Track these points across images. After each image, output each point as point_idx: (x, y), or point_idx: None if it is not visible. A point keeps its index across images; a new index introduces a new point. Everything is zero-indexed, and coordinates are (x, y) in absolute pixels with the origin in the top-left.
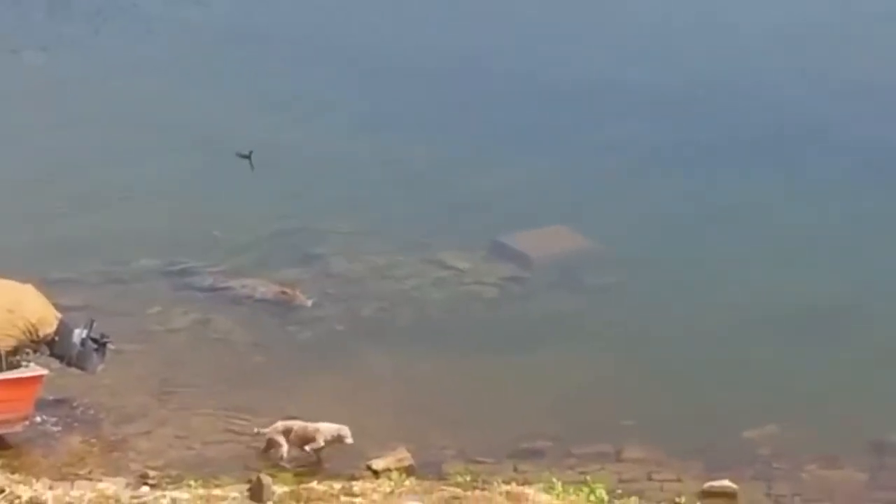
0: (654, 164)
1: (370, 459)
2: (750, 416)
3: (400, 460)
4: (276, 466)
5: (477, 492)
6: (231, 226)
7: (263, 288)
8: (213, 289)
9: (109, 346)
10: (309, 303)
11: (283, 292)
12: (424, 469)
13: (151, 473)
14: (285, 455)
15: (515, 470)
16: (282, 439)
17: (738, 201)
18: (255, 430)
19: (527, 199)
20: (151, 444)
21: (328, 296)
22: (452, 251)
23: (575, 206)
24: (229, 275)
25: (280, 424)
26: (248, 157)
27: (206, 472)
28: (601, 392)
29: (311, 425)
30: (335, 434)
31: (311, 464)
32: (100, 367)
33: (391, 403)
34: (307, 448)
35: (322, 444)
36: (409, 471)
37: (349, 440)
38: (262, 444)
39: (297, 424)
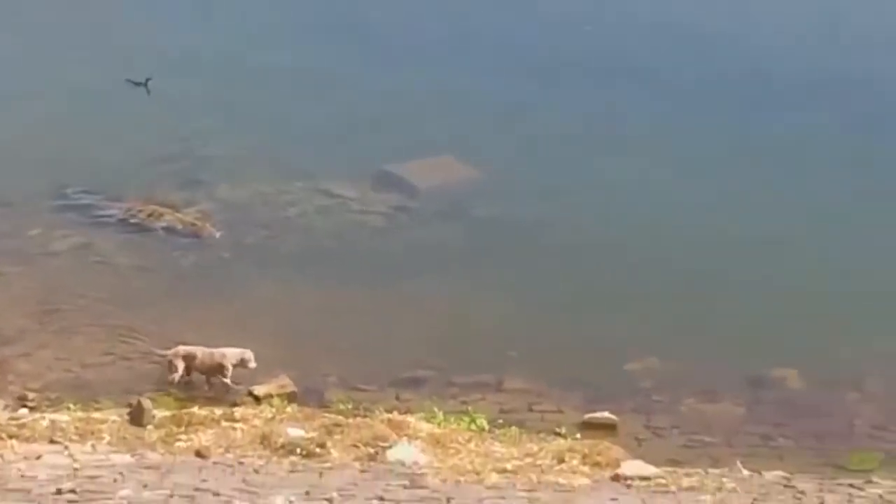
0: (544, 90)
1: (252, 385)
2: (631, 349)
3: (282, 387)
4: (158, 391)
5: (358, 419)
6: (116, 150)
7: (169, 217)
8: (95, 213)
9: None
10: (217, 234)
11: (192, 223)
12: (306, 396)
13: (30, 395)
14: (177, 379)
15: (397, 398)
16: (179, 362)
17: (627, 127)
18: (158, 352)
19: (414, 127)
20: (30, 366)
21: (211, 222)
22: (339, 179)
23: (462, 136)
24: (112, 199)
25: (181, 349)
26: (143, 84)
27: (86, 394)
28: (484, 322)
29: (216, 351)
30: (239, 358)
31: (194, 389)
32: None
33: (274, 330)
34: (224, 379)
35: (230, 370)
36: (290, 397)
37: (252, 364)
38: (159, 367)
39: (200, 350)
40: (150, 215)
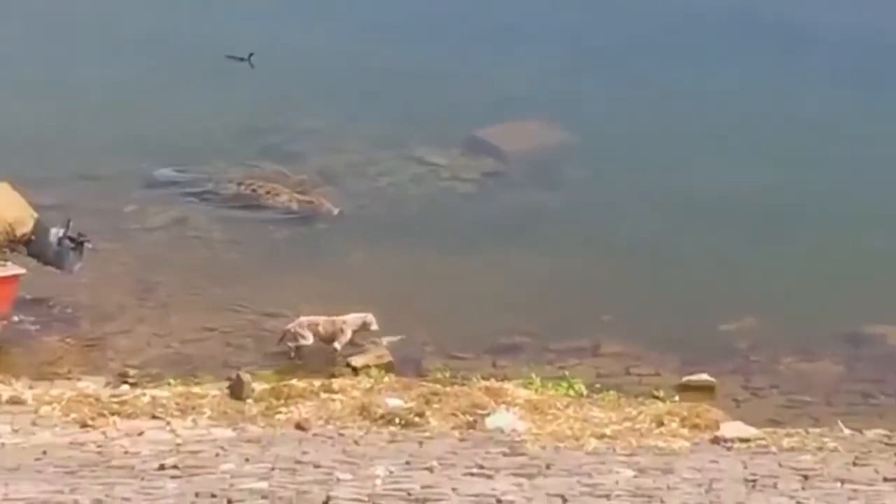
0: (633, 56)
1: (349, 357)
2: (727, 310)
3: (379, 357)
4: (255, 364)
5: (456, 387)
6: (210, 125)
7: (285, 196)
8: (191, 188)
9: (87, 245)
10: (335, 211)
11: (309, 201)
12: (403, 366)
13: (131, 372)
14: (306, 347)
15: (494, 366)
16: (305, 332)
17: (722, 94)
18: (284, 329)
19: (503, 93)
20: (130, 342)
21: (305, 193)
22: (429, 147)
23: (552, 100)
24: (208, 173)
25: (304, 319)
26: (247, 59)
27: (186, 369)
28: (579, 287)
29: (336, 319)
30: (360, 323)
31: (293, 362)
32: (77, 267)
33: (369, 300)
34: (336, 345)
35: (350, 335)
36: (388, 367)
37: (374, 326)
38: (280, 339)
39: (322, 319)
40: (267, 192)
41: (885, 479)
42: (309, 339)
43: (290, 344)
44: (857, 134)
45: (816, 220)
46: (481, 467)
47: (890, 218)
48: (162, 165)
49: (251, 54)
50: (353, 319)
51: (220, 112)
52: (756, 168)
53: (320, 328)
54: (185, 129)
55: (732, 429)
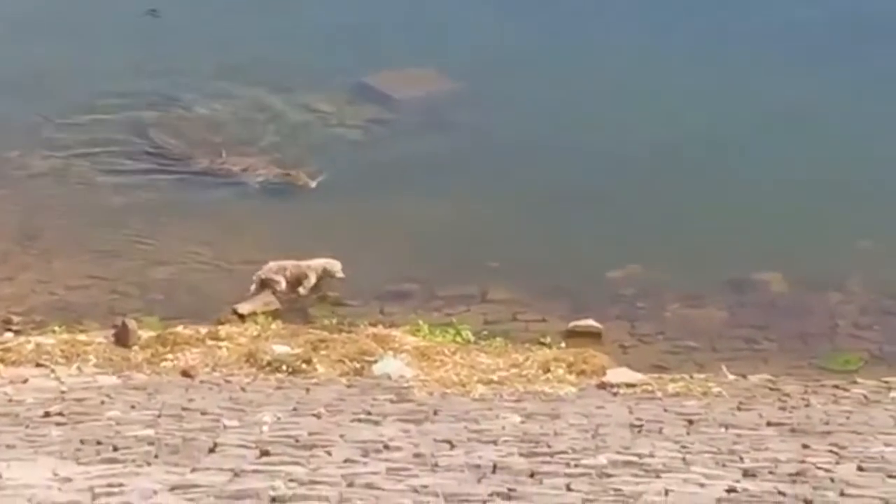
0: (533, 4)
1: (236, 303)
2: (613, 257)
3: (266, 304)
4: (140, 311)
5: (343, 334)
6: (96, 70)
7: (263, 169)
8: (74, 135)
9: None
10: (313, 184)
11: (287, 174)
12: (290, 313)
13: (14, 319)
14: (281, 292)
15: (382, 312)
16: (279, 277)
17: (612, 38)
18: (254, 277)
19: (391, 39)
20: (13, 289)
21: (189, 141)
22: (316, 93)
23: (439, 47)
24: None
25: (273, 265)
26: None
27: (71, 316)
28: (466, 234)
29: (302, 263)
30: (324, 268)
31: (178, 309)
32: None
33: (255, 247)
34: (301, 290)
35: (314, 280)
36: (275, 314)
37: (340, 274)
38: (252, 288)
39: (289, 263)
40: (244, 169)
41: (769, 424)
42: (282, 284)
43: (270, 290)
44: (749, 83)
45: (702, 167)
46: (369, 413)
47: (775, 165)
48: (45, 111)
49: (153, 9)
50: (317, 264)
51: (105, 58)
52: (646, 118)
53: (287, 272)
54: (72, 75)
55: (618, 374)
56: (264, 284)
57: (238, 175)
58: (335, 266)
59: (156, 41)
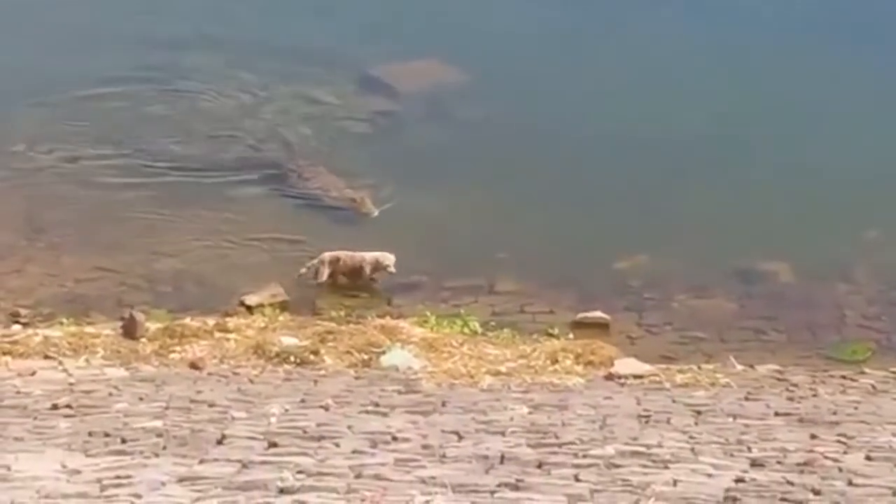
0: None
1: (243, 295)
2: (621, 248)
3: (273, 296)
4: (148, 303)
5: (351, 325)
6: (103, 62)
7: (335, 191)
8: (81, 127)
9: None
10: (375, 213)
11: (353, 199)
12: (298, 305)
13: (22, 312)
14: (323, 280)
15: (389, 304)
16: (325, 268)
17: (619, 29)
18: (305, 266)
19: (397, 31)
20: (21, 282)
21: (196, 133)
22: (322, 86)
23: (445, 39)
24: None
25: (327, 255)
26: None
27: (78, 309)
28: (474, 225)
29: (356, 254)
30: (377, 261)
31: (186, 301)
32: None
33: (262, 240)
34: (360, 279)
35: (368, 272)
36: (282, 306)
37: (392, 269)
38: (308, 275)
39: (343, 254)
40: (319, 187)
41: (777, 414)
42: (325, 275)
43: (312, 280)
44: (758, 75)
45: (710, 157)
46: (377, 405)
47: (783, 155)
48: (47, 100)
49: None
50: (371, 257)
51: (92, 48)
52: (653, 110)
53: (341, 263)
54: (80, 68)
55: (626, 365)
56: (314, 273)
57: (309, 189)
58: (388, 259)
59: (162, 33)
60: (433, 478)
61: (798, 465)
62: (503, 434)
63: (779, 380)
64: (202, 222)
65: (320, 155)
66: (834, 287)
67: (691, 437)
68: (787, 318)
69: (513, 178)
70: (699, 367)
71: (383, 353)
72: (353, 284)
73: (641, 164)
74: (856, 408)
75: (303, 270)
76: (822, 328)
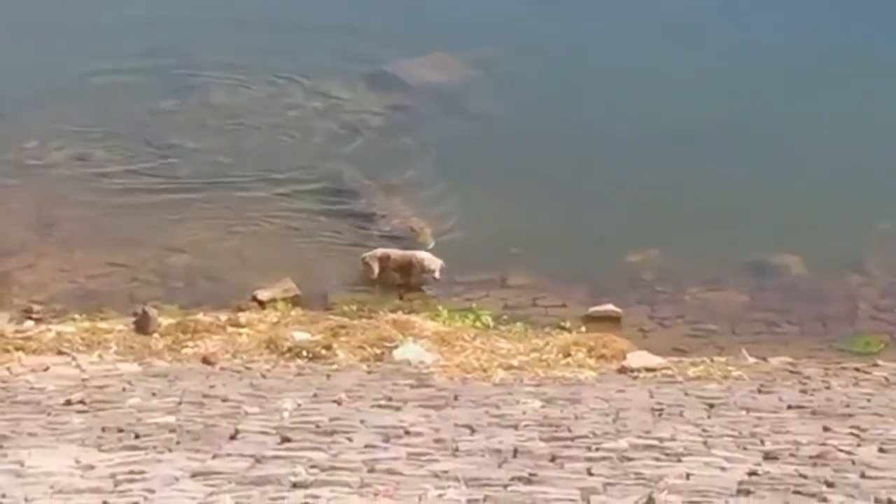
0: None
1: (255, 290)
2: (633, 241)
3: (286, 291)
4: (161, 298)
5: (363, 320)
6: (113, 58)
7: (396, 219)
8: (92, 124)
9: None
10: (431, 244)
11: (412, 229)
12: (310, 299)
13: (35, 307)
14: (374, 277)
15: (401, 298)
16: (375, 264)
17: (632, 23)
18: (362, 257)
19: (410, 26)
20: (34, 277)
21: (207, 128)
22: (335, 81)
23: (457, 33)
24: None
25: (379, 251)
26: None
27: (91, 304)
28: (485, 219)
29: (407, 253)
30: (423, 263)
31: (198, 297)
32: None
33: (275, 234)
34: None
35: (419, 270)
36: (295, 301)
37: (437, 274)
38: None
39: (394, 252)
40: (383, 215)
41: (789, 407)
42: (375, 272)
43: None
44: (767, 66)
45: (721, 151)
46: (389, 399)
47: (793, 147)
48: (57, 96)
49: None
50: (418, 258)
51: (123, 46)
52: (665, 103)
53: (391, 260)
54: (89, 63)
55: (638, 358)
56: (367, 267)
57: (373, 215)
58: (434, 263)
59: (174, 29)
60: (446, 472)
61: (811, 457)
62: (516, 428)
63: (791, 372)
64: (214, 217)
65: (335, 150)
66: (846, 279)
67: (704, 430)
68: (799, 311)
69: (525, 172)
70: (711, 360)
71: (396, 347)
72: (406, 282)
73: (653, 157)
74: (869, 400)
75: (361, 268)
76: (835, 320)
